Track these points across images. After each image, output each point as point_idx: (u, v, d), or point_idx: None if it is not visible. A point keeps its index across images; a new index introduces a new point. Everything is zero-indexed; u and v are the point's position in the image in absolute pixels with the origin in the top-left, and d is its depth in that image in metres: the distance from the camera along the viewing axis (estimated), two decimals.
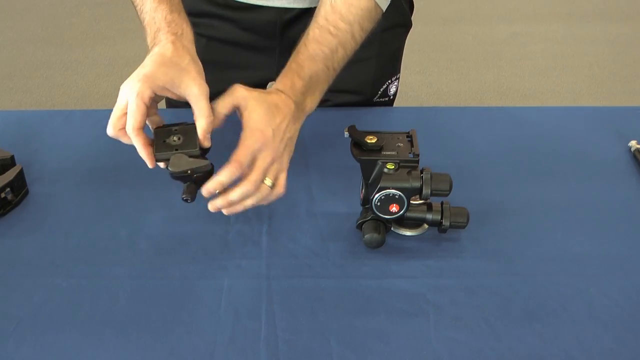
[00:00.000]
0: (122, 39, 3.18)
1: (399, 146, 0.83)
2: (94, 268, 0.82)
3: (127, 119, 0.75)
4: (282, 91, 0.86)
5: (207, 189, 0.78)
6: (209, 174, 0.77)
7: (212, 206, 0.81)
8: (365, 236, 0.83)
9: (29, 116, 1.13)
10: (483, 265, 0.83)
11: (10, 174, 0.90)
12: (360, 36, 0.93)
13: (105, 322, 0.75)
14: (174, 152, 0.76)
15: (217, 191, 0.79)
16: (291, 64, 0.89)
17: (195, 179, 0.76)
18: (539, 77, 2.96)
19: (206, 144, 0.78)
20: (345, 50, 0.92)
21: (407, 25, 1.19)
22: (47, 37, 3.24)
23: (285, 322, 0.75)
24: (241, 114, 0.81)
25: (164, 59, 0.77)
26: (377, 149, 0.82)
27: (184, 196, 0.77)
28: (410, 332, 0.74)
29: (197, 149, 0.76)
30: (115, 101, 0.77)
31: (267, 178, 0.80)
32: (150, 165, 0.79)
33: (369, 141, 0.82)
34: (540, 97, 2.83)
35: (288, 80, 0.87)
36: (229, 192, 0.79)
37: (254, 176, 0.79)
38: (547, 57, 3.12)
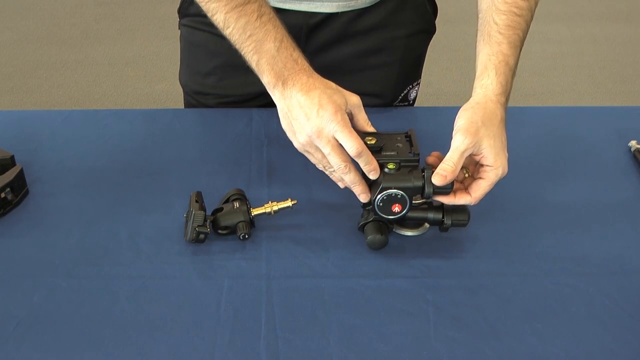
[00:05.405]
0: (122, 39, 3.17)
1: (398, 146, 0.83)
2: (94, 268, 0.82)
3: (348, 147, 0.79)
4: (499, 94, 0.84)
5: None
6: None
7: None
8: (369, 237, 0.83)
9: (29, 116, 1.13)
10: (483, 265, 0.83)
11: (10, 174, 0.90)
12: (535, 4, 0.92)
13: (105, 322, 0.75)
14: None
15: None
16: (498, 56, 0.86)
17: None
18: (539, 77, 2.96)
19: (369, 128, 0.85)
20: (528, 27, 0.91)
21: (431, 31, 1.18)
22: (47, 37, 3.23)
23: (285, 322, 0.75)
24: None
25: (334, 104, 0.81)
26: (376, 149, 0.82)
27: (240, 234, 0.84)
28: (410, 332, 0.74)
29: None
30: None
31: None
32: (365, 200, 0.83)
33: (368, 142, 0.82)
34: (540, 97, 2.83)
35: (503, 77, 0.85)
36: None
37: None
38: (547, 57, 3.12)
